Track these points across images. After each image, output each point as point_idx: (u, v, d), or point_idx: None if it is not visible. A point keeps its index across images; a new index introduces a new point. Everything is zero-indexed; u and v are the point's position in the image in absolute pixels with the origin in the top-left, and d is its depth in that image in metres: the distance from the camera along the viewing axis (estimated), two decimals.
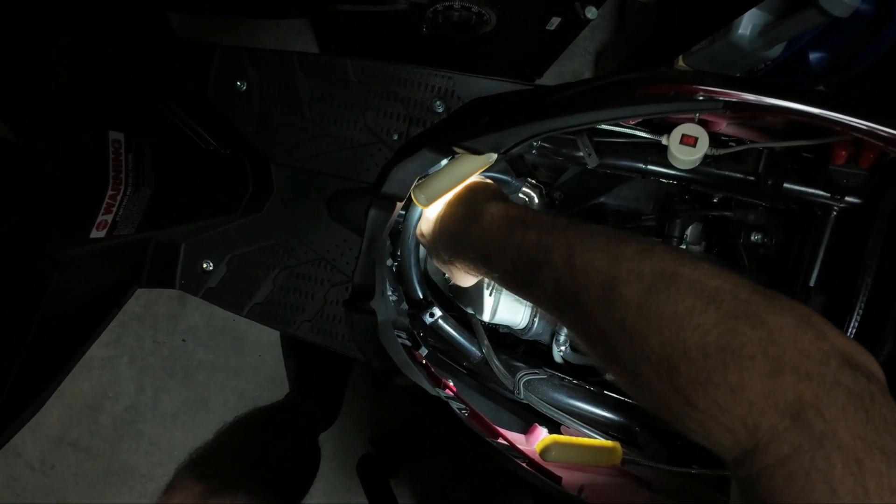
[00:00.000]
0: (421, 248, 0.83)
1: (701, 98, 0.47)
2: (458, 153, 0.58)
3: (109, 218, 0.62)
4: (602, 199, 0.79)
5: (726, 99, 0.47)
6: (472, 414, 0.64)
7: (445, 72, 0.82)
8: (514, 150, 0.63)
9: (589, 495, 0.61)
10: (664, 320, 0.35)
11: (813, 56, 1.06)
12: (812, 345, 0.32)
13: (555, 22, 0.93)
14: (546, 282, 0.44)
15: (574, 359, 0.79)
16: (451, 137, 0.56)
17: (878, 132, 0.48)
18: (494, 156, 0.61)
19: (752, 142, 0.60)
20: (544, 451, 0.60)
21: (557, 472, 0.61)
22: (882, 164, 0.59)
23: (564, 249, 0.42)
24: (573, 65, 1.29)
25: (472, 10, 0.85)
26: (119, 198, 0.62)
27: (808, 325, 0.33)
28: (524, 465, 0.57)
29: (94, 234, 0.61)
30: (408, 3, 0.85)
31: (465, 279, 0.63)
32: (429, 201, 0.61)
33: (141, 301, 1.26)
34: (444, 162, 0.63)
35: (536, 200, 0.79)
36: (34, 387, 0.66)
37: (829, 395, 0.30)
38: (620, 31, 1.27)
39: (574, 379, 0.75)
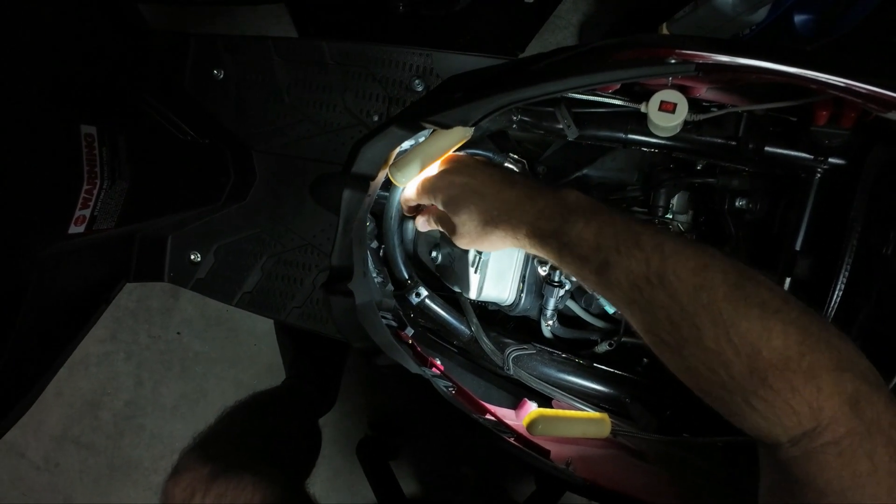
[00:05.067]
0: (407, 228, 0.82)
1: (673, 61, 0.46)
2: (426, 128, 0.58)
3: (87, 213, 0.62)
4: (586, 171, 0.78)
5: (699, 61, 0.46)
6: (460, 391, 0.65)
7: (423, 49, 0.80)
8: (484, 123, 0.63)
9: (581, 468, 0.62)
10: (753, 315, 0.39)
11: (798, 18, 1.04)
12: (860, 357, 0.40)
13: None
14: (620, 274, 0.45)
15: (563, 333, 0.79)
16: (419, 113, 0.55)
17: (856, 89, 0.47)
18: (470, 130, 0.60)
19: (732, 106, 0.59)
20: (531, 426, 0.60)
21: (548, 446, 0.61)
22: (864, 124, 0.58)
23: (656, 257, 0.43)
24: (557, 38, 1.27)
25: None
26: (95, 192, 0.61)
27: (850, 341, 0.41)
28: (511, 440, 0.57)
29: (73, 229, 0.61)
30: None
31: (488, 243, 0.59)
32: (406, 179, 0.60)
33: (134, 296, 1.26)
34: (423, 138, 0.63)
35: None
36: (24, 383, 0.66)
37: (877, 393, 0.38)
38: (603, 2, 1.25)
39: (563, 353, 0.75)
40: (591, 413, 0.64)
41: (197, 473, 0.59)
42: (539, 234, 0.50)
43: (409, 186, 0.64)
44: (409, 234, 0.84)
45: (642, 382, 0.74)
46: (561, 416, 0.62)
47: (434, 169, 0.61)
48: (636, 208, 0.80)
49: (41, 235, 0.56)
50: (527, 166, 0.79)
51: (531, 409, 0.69)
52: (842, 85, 0.47)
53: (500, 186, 0.54)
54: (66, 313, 0.73)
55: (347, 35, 1.05)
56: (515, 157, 0.79)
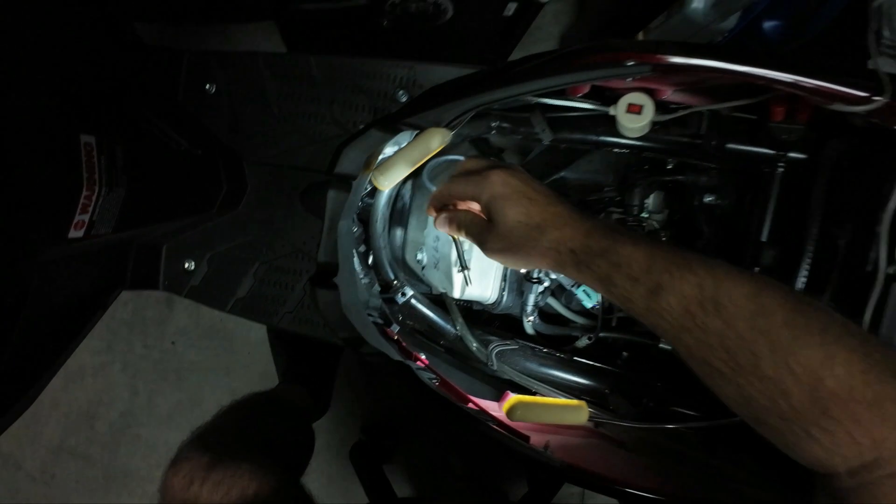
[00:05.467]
0: (395, 235, 0.85)
1: (631, 63, 0.50)
2: (404, 129, 0.61)
3: (86, 217, 0.65)
4: (563, 174, 0.82)
5: (654, 62, 0.49)
6: (443, 383, 0.67)
7: (406, 62, 0.84)
8: (464, 129, 0.66)
9: (560, 453, 0.64)
10: (814, 342, 0.38)
11: (767, 24, 1.08)
12: None
13: (511, 7, 0.95)
14: (670, 304, 0.44)
15: (545, 329, 0.82)
16: (397, 116, 0.59)
17: (803, 84, 0.51)
18: (449, 135, 0.63)
19: (695, 106, 0.63)
20: (510, 411, 0.63)
21: (530, 434, 0.64)
22: (819, 118, 0.62)
23: (710, 281, 0.43)
24: (539, 48, 1.31)
25: (429, 1, 0.88)
26: (94, 198, 0.65)
27: None
28: (492, 425, 0.60)
29: (73, 233, 0.63)
30: None
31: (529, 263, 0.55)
32: (389, 182, 0.63)
33: (129, 307, 1.28)
34: (405, 142, 0.66)
35: None
36: (24, 384, 0.68)
37: None
38: (582, 12, 1.30)
39: (545, 348, 0.78)
40: (569, 400, 0.67)
41: (195, 462, 0.60)
42: (588, 251, 0.48)
43: (444, 181, 0.65)
44: (398, 240, 0.87)
45: (621, 374, 0.77)
46: (539, 402, 0.65)
47: (475, 165, 0.57)
48: (613, 208, 0.83)
49: (43, 238, 0.59)
50: None
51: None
52: (789, 80, 0.51)
53: (550, 198, 0.52)
54: (64, 317, 0.75)
55: (335, 50, 1.09)
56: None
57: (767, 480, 0.65)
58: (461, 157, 0.82)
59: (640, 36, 1.19)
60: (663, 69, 0.49)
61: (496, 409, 0.66)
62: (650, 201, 0.82)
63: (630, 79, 0.53)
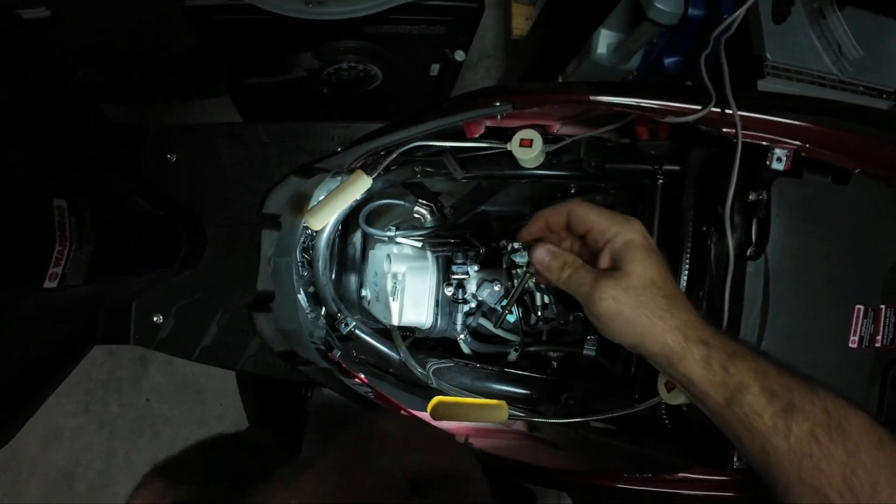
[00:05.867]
0: (348, 279, 0.94)
1: (498, 104, 0.61)
2: (318, 173, 0.71)
3: (59, 270, 0.74)
4: (483, 208, 0.92)
5: (515, 101, 0.61)
6: (378, 395, 0.75)
7: (344, 123, 0.96)
8: (392, 175, 0.77)
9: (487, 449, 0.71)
10: None
11: (667, 61, 1.23)
12: None
13: (435, 68, 1.09)
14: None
15: (479, 348, 0.90)
16: (310, 164, 0.69)
17: (643, 105, 0.62)
18: (369, 180, 0.74)
19: (572, 135, 0.74)
20: (433, 411, 0.70)
21: (460, 435, 0.71)
22: (682, 133, 0.73)
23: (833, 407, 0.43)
24: None
25: (359, 68, 1.01)
26: (66, 252, 0.74)
27: None
28: None
29: (48, 284, 0.72)
30: (304, 70, 1.01)
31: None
32: (319, 224, 0.73)
33: (105, 367, 1.34)
34: (335, 185, 0.76)
35: (429, 217, 0.92)
36: None
37: None
38: (509, 66, 1.45)
39: (478, 363, 0.86)
40: (489, 400, 0.75)
41: (153, 488, 0.65)
42: (722, 349, 0.45)
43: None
44: (352, 284, 0.95)
45: (549, 381, 0.85)
46: (459, 402, 0.72)
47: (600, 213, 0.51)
48: None
49: (22, 287, 0.68)
50: (434, 209, 0.93)
51: None
52: (632, 104, 0.62)
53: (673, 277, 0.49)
54: (38, 368, 0.83)
55: (284, 117, 1.22)
56: (424, 202, 0.93)
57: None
58: (401, 202, 0.92)
59: (560, 80, 1.34)
60: (522, 104, 0.61)
61: (426, 416, 0.74)
62: None
63: (500, 116, 0.64)
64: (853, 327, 0.65)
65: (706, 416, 0.48)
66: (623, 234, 0.48)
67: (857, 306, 0.65)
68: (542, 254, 0.52)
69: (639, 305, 0.45)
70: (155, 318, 1.01)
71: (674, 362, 0.45)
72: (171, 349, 1.01)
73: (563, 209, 0.51)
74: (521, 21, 1.37)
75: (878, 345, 0.66)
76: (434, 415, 0.70)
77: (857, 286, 0.65)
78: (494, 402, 0.73)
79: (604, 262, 0.49)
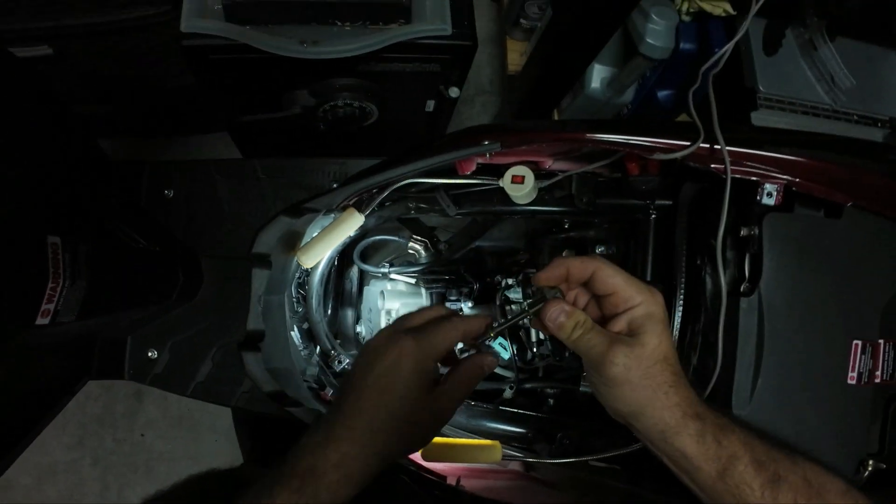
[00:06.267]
0: (345, 314, 0.94)
1: (486, 143, 0.61)
2: (307, 213, 0.71)
3: (51, 307, 0.74)
4: (477, 244, 0.92)
5: (504, 139, 0.61)
6: None
7: (338, 159, 0.97)
8: (385, 211, 0.77)
9: (487, 495, 0.70)
10: None
11: (661, 94, 1.25)
12: None
13: (431, 104, 1.10)
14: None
15: None
16: (300, 203, 0.69)
17: (631, 142, 0.63)
18: (361, 218, 0.74)
19: (564, 171, 0.74)
20: (424, 453, 0.69)
21: (452, 476, 0.70)
22: (673, 168, 0.73)
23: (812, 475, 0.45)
24: None
25: (354, 105, 1.02)
26: (59, 289, 0.74)
27: None
28: (412, 468, 0.66)
29: (40, 321, 0.72)
30: (300, 107, 1.02)
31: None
32: (311, 261, 0.73)
33: (100, 402, 1.33)
34: (328, 223, 0.76)
35: (423, 253, 0.92)
36: None
37: None
38: (505, 101, 1.47)
39: (473, 401, 0.85)
40: (483, 441, 0.73)
41: None
42: (716, 423, 0.45)
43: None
44: (349, 319, 0.95)
45: (545, 418, 0.84)
46: (451, 443, 0.71)
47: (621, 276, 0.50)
48: (528, 269, 0.93)
49: (14, 323, 0.67)
50: (429, 245, 0.93)
51: None
52: (621, 141, 0.62)
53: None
54: (31, 403, 0.82)
55: (282, 153, 1.23)
56: (419, 237, 0.93)
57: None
58: (395, 237, 0.92)
59: (555, 116, 1.35)
60: (511, 143, 0.61)
61: (417, 457, 0.72)
62: None
63: (489, 154, 0.65)
64: (851, 363, 0.64)
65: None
66: (646, 305, 0.48)
67: (855, 341, 0.64)
68: (556, 312, 0.50)
69: (647, 377, 0.46)
70: (150, 354, 1.01)
71: (668, 437, 0.46)
72: (165, 385, 1.00)
73: (589, 266, 0.49)
74: (516, 57, 1.39)
75: (877, 380, 0.65)
76: (426, 456, 0.69)
77: (854, 321, 0.65)
78: (487, 442, 0.72)
79: (618, 326, 0.49)
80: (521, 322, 0.57)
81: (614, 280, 0.49)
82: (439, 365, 0.51)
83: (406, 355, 0.46)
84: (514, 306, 0.85)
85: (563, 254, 0.93)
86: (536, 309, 0.51)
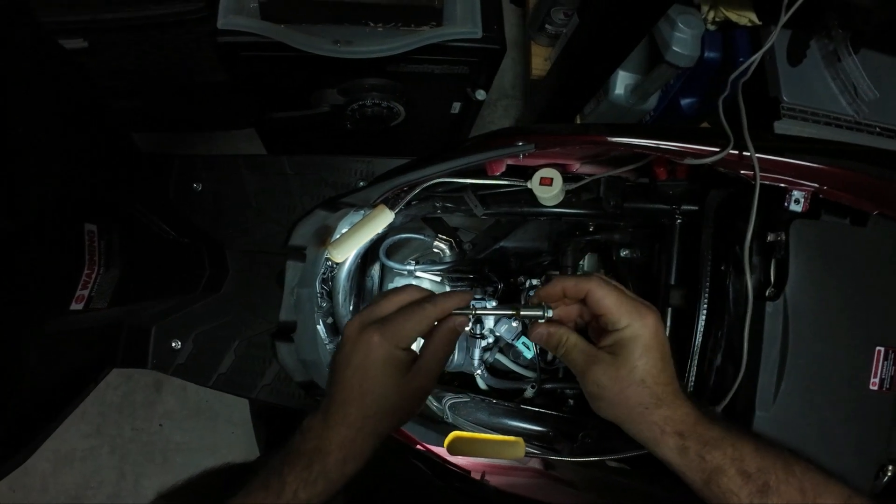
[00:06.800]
0: (351, 302, 0.95)
1: (520, 143, 0.63)
2: (344, 208, 0.73)
3: (86, 293, 0.76)
4: (502, 244, 0.93)
5: (538, 141, 0.62)
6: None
7: (365, 157, 0.98)
8: (412, 209, 0.79)
9: (507, 489, 0.71)
10: None
11: (684, 102, 1.26)
12: None
13: (457, 106, 1.11)
14: None
15: (496, 383, 0.90)
16: (336, 198, 0.71)
17: (662, 147, 0.64)
18: (391, 215, 0.75)
19: (592, 175, 0.75)
20: (449, 446, 0.70)
21: (477, 471, 0.71)
22: (700, 174, 0.74)
23: (809, 486, 0.46)
24: None
25: (382, 105, 1.03)
26: (94, 276, 0.76)
27: None
28: (436, 461, 0.67)
29: (74, 306, 0.74)
30: (329, 106, 1.04)
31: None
32: (342, 256, 0.74)
33: (119, 391, 1.35)
34: (358, 219, 0.77)
35: (448, 252, 0.93)
36: (9, 451, 0.75)
37: None
38: (527, 105, 1.48)
39: (495, 399, 0.86)
40: (506, 437, 0.74)
41: None
42: (699, 438, 0.47)
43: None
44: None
45: (565, 418, 0.85)
46: (476, 438, 0.72)
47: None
48: (551, 271, 0.94)
49: (50, 307, 0.69)
50: (454, 244, 0.94)
51: None
52: (652, 146, 0.63)
53: (674, 372, 0.50)
54: (59, 388, 0.84)
55: (307, 150, 1.25)
56: (444, 237, 0.94)
57: None
58: (420, 236, 0.93)
59: (578, 121, 1.36)
60: (545, 144, 0.62)
61: (443, 451, 0.73)
62: (585, 262, 0.94)
63: (522, 155, 0.66)
64: (874, 369, 0.65)
65: None
66: (633, 328, 0.49)
67: (878, 348, 0.65)
68: (540, 332, 0.54)
69: (622, 396, 0.48)
70: (173, 344, 1.02)
71: (650, 447, 0.49)
72: (187, 375, 1.01)
73: (583, 286, 0.51)
74: (540, 62, 1.40)
75: None
76: (451, 450, 0.70)
77: (877, 328, 0.65)
78: (511, 438, 0.72)
79: (605, 342, 0.51)
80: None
81: (605, 302, 0.50)
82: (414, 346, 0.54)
83: (374, 348, 0.49)
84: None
85: (584, 259, 0.94)
86: (523, 315, 0.54)
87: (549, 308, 0.54)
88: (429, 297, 0.53)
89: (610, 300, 0.50)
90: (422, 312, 0.51)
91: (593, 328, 0.54)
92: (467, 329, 0.86)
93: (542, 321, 0.54)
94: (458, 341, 0.88)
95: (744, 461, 0.46)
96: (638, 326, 0.49)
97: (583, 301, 0.52)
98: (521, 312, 0.54)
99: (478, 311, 0.54)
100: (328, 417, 0.50)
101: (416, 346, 0.53)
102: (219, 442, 1.33)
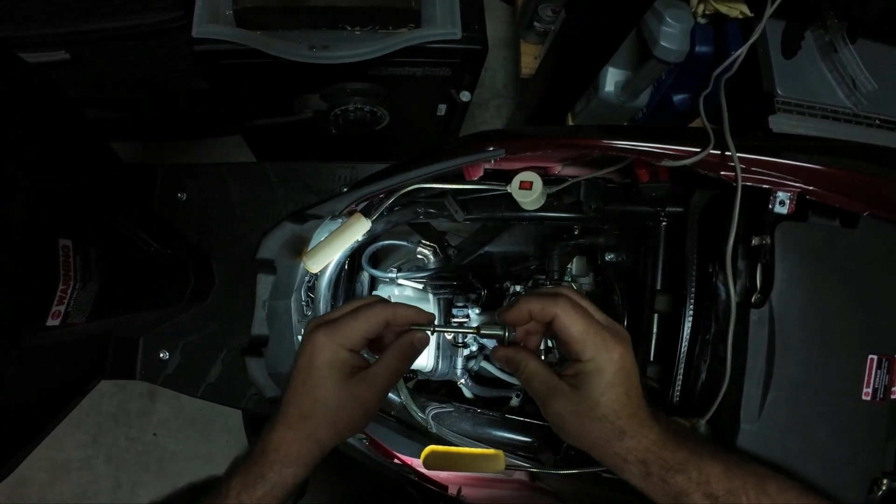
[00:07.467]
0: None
1: (491, 149, 0.61)
2: (312, 219, 0.71)
3: (62, 308, 0.75)
4: (487, 249, 0.91)
5: (509, 145, 0.60)
6: (372, 442, 0.73)
7: (349, 163, 0.97)
8: (393, 216, 0.77)
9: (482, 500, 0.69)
10: None
11: (676, 98, 1.22)
12: None
13: (442, 108, 1.09)
14: None
15: (481, 392, 0.88)
16: (304, 209, 0.69)
17: (638, 148, 0.61)
18: (368, 223, 0.74)
19: (574, 177, 0.73)
20: (425, 461, 0.68)
21: (462, 487, 0.69)
22: (684, 175, 0.71)
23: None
24: None
25: (365, 109, 1.02)
26: (69, 291, 0.75)
27: None
28: (414, 478, 0.65)
29: (50, 322, 0.73)
30: (312, 111, 1.02)
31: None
32: (317, 266, 0.73)
33: (114, 401, 1.35)
34: (336, 226, 0.76)
35: (432, 258, 0.91)
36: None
37: None
38: (518, 105, 1.46)
39: (479, 409, 0.84)
40: (486, 450, 0.73)
41: None
42: (663, 464, 0.46)
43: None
44: None
45: (549, 427, 0.82)
46: (453, 452, 0.70)
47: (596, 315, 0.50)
48: (537, 276, 0.92)
49: (25, 324, 0.68)
50: (438, 250, 0.92)
51: None
52: (628, 147, 0.61)
53: (641, 398, 0.48)
54: (42, 401, 0.83)
55: (296, 156, 1.24)
56: (427, 242, 0.92)
57: None
58: (404, 243, 0.92)
59: (569, 120, 1.34)
60: (515, 149, 0.60)
61: (419, 464, 0.72)
62: (573, 266, 0.91)
63: (493, 160, 0.64)
64: (866, 378, 0.62)
65: None
66: (597, 361, 0.47)
67: (871, 356, 0.62)
68: (500, 356, 0.53)
69: (584, 431, 0.47)
70: (161, 355, 1.02)
71: (615, 472, 0.48)
72: (176, 386, 1.01)
73: (550, 310, 0.48)
74: (529, 60, 1.38)
75: (893, 396, 0.63)
76: (427, 464, 0.68)
77: (870, 335, 0.62)
78: (491, 451, 0.71)
79: (568, 372, 0.49)
80: None
81: (570, 331, 0.48)
82: (364, 353, 0.53)
83: (318, 347, 0.49)
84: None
85: (572, 263, 0.92)
86: (484, 334, 0.53)
87: (512, 331, 0.51)
88: (384, 300, 0.52)
89: (576, 329, 0.47)
90: (369, 311, 0.50)
91: (561, 344, 0.51)
92: (449, 337, 0.84)
93: (504, 342, 0.52)
94: (441, 349, 0.87)
95: (710, 484, 0.45)
96: (603, 360, 0.47)
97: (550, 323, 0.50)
98: (482, 331, 0.52)
99: (436, 328, 0.52)
100: (274, 418, 0.50)
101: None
102: (213, 450, 1.33)
